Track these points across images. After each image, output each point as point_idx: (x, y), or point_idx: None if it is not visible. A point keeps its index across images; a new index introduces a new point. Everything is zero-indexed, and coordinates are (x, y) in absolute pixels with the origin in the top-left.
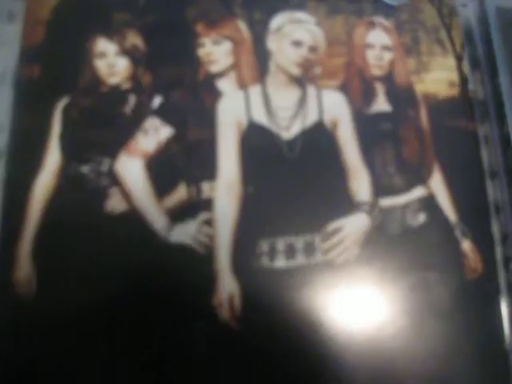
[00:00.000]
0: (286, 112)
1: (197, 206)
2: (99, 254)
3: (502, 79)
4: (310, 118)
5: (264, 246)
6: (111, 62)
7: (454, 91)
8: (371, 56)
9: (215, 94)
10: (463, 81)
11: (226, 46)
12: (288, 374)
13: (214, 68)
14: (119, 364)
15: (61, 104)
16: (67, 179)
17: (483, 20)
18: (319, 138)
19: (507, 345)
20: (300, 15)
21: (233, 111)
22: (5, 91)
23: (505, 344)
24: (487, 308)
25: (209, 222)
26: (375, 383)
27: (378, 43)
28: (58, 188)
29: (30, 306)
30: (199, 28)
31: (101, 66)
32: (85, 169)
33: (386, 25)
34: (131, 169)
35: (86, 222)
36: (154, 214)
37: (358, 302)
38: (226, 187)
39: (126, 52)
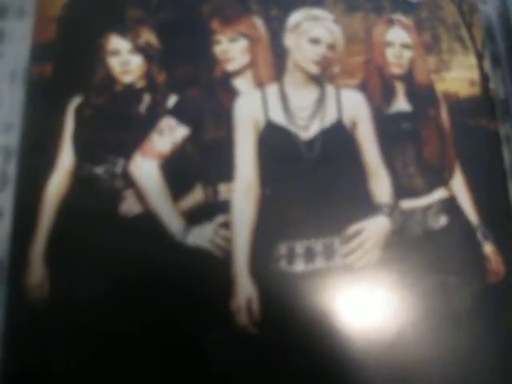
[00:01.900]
0: (305, 111)
1: (213, 208)
2: (113, 258)
3: None
4: (329, 117)
5: (282, 249)
6: (125, 59)
7: (475, 90)
8: (391, 54)
9: (232, 93)
10: (484, 79)
11: (243, 43)
12: (306, 378)
13: (231, 66)
14: (134, 367)
15: (73, 103)
16: (80, 180)
17: (504, 17)
18: (338, 138)
19: None
20: (318, 12)
21: (250, 110)
22: (16, 89)
23: None
24: (509, 312)
25: (226, 225)
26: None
27: (397, 41)
28: (71, 189)
29: (43, 309)
30: (215, 25)
31: (114, 63)
32: (98, 170)
33: (406, 22)
34: (146, 170)
35: (99, 224)
36: (170, 216)
37: (377, 307)
38: (243, 189)
39: (139, 49)
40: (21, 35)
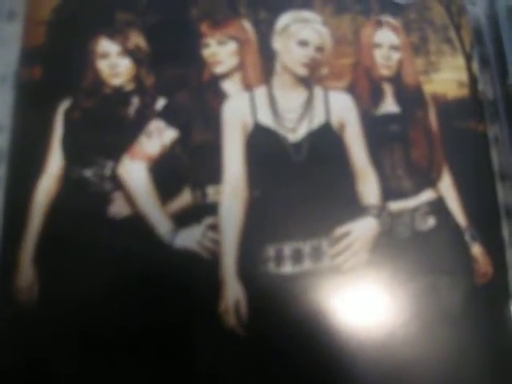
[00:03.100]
0: (293, 114)
1: (202, 211)
2: (102, 259)
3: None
4: (317, 119)
5: (270, 251)
6: (114, 62)
7: (464, 91)
8: (379, 56)
9: (220, 96)
10: (473, 81)
11: (231, 46)
12: (294, 380)
13: (219, 69)
14: (122, 368)
15: (63, 106)
16: (69, 183)
17: (493, 18)
18: (326, 140)
19: None
20: (306, 14)
21: (238, 113)
22: (5, 92)
23: None
24: (497, 313)
25: (214, 227)
26: None
27: (385, 43)
28: (60, 192)
29: (32, 312)
30: (203, 28)
31: (103, 66)
32: (87, 172)
33: (394, 24)
34: (135, 172)
35: (88, 226)
36: (158, 218)
37: (366, 308)
38: (231, 191)
39: (128, 52)
40: (11, 39)
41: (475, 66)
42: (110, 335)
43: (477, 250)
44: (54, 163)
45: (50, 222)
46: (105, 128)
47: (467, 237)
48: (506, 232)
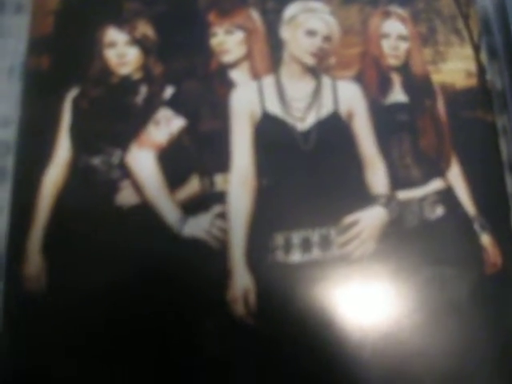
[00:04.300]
0: (301, 103)
1: (210, 199)
2: (110, 248)
3: None
4: (325, 108)
5: (279, 239)
6: (121, 51)
7: (472, 81)
8: (387, 46)
9: (228, 85)
10: (481, 71)
11: (239, 35)
12: (302, 369)
13: (227, 58)
14: (131, 359)
15: (70, 95)
16: (77, 172)
17: (501, 8)
18: (335, 129)
19: None
20: (314, 4)
21: (246, 102)
22: (14, 84)
23: None
24: (506, 303)
25: (222, 216)
26: (390, 379)
27: (393, 33)
28: (68, 181)
29: (40, 300)
30: (211, 17)
31: (111, 55)
32: (95, 161)
33: (402, 14)
34: (143, 161)
35: (96, 215)
36: (167, 207)
37: (373, 297)
38: (239, 179)
39: (136, 41)
40: (19, 31)
41: (483, 56)
42: (117, 323)
43: (486, 239)
44: (62, 152)
45: (57, 211)
46: (113, 117)
47: (476, 226)
48: None
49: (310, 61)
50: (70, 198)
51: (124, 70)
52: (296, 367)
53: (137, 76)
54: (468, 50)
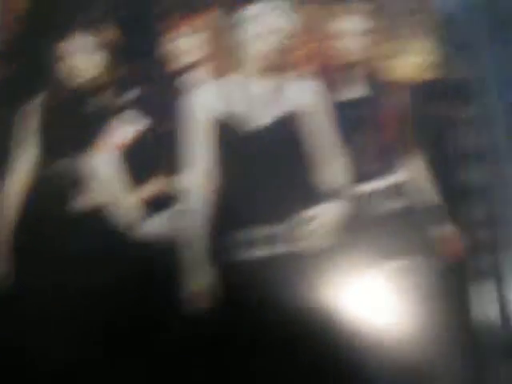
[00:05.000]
0: (260, 101)
1: (170, 198)
2: (73, 250)
3: (483, 61)
4: (284, 106)
5: (239, 236)
6: (85, 56)
7: (434, 74)
8: (347, 41)
9: (188, 86)
10: (444, 63)
11: (200, 36)
12: (268, 364)
13: (188, 59)
14: (96, 356)
15: (34, 101)
16: (40, 176)
17: (464, 1)
18: (293, 125)
19: (494, 328)
20: (275, 2)
21: (206, 102)
22: None
23: (491, 327)
24: (469, 291)
25: (183, 214)
26: (357, 368)
27: (354, 27)
28: (30, 186)
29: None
30: (173, 19)
31: (74, 60)
32: (58, 165)
33: (363, 9)
34: (104, 163)
35: (59, 218)
36: (127, 206)
37: (336, 290)
38: (199, 178)
39: (100, 46)
40: None
41: (447, 48)
42: (82, 322)
43: (448, 229)
44: (26, 158)
45: (21, 215)
46: (75, 121)
47: (437, 217)
48: (476, 211)
49: (271, 59)
50: (32, 203)
51: (87, 75)
52: (258, 364)
53: (99, 80)
54: (431, 43)
